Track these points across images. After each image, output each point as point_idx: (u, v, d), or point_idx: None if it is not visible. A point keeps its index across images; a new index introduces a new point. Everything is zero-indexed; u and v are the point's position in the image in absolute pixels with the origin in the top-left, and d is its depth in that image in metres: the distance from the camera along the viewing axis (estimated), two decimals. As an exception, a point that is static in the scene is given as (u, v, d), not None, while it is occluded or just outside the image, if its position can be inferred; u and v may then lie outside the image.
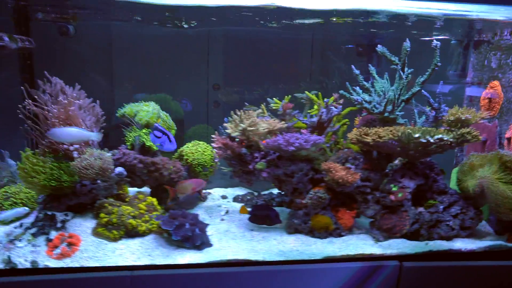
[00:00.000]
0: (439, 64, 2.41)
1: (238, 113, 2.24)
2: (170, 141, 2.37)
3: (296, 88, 3.83)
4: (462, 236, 2.46)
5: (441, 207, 2.43)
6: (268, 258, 2.18)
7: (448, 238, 2.41)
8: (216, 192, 3.18)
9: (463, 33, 3.01)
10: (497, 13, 2.48)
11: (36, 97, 2.27)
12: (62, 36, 2.69)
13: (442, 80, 2.76)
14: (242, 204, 2.92)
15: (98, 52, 3.24)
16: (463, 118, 2.36)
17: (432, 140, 2.17)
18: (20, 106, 2.31)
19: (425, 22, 3.22)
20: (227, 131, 2.29)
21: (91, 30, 3.10)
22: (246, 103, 2.70)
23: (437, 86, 3.90)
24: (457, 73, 3.32)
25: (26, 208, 2.23)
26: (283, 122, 2.39)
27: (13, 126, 2.56)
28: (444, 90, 3.95)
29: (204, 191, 3.13)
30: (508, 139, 2.48)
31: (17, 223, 2.30)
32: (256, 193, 3.04)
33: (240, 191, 3.20)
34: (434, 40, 2.36)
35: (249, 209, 2.51)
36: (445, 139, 2.17)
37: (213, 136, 2.26)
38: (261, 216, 2.49)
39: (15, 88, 2.56)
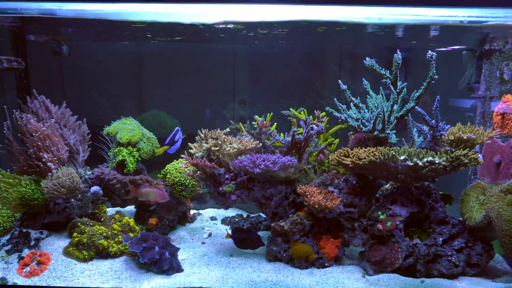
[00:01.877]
0: (435, 76, 2.14)
1: (203, 131, 2.12)
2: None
3: (299, 104, 3.66)
4: (469, 274, 2.13)
5: (440, 239, 2.12)
6: (236, 288, 2.02)
7: (452, 276, 2.09)
8: (206, 213, 3.08)
9: (475, 42, 2.68)
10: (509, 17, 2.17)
11: (19, 115, 2.33)
12: (56, 56, 2.78)
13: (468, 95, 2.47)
14: (229, 226, 2.78)
15: (98, 71, 3.32)
16: (465, 138, 2.06)
17: (420, 163, 1.90)
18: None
19: (445, 32, 2.93)
20: (190, 151, 2.19)
21: (90, 50, 3.20)
22: (231, 121, 2.59)
23: (467, 101, 3.54)
24: (477, 86, 2.97)
25: None
26: (259, 141, 2.24)
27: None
28: (465, 105, 3.57)
29: (194, 211, 3.04)
30: (524, 162, 2.13)
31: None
32: (245, 215, 2.89)
33: (231, 213, 3.07)
34: (429, 51, 2.10)
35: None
36: (437, 162, 1.90)
37: (182, 156, 2.16)
38: (242, 240, 2.33)
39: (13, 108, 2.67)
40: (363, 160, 1.95)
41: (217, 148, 2.03)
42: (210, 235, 2.62)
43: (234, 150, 2.03)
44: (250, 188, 2.12)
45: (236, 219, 2.81)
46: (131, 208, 2.79)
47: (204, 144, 2.04)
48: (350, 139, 2.50)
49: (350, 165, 2.00)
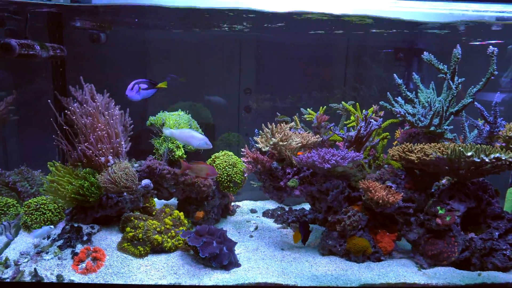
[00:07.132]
0: (495, 72, 2.15)
1: (269, 126, 2.09)
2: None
3: (330, 96, 3.64)
4: (522, 267, 2.19)
5: (496, 233, 2.17)
6: (300, 283, 2.02)
7: (505, 269, 2.15)
8: (245, 205, 3.06)
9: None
10: None
11: (67, 105, 2.23)
12: (93, 43, 2.66)
13: (494, 89, 2.48)
14: (273, 219, 2.77)
15: (130, 59, 3.21)
16: (523, 135, 2.09)
17: (487, 160, 1.92)
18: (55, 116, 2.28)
19: (475, 26, 2.94)
20: (257, 145, 2.16)
21: (123, 37, 3.07)
22: (278, 113, 2.54)
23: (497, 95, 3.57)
24: None
25: (52, 227, 2.18)
26: (317, 135, 2.22)
27: (45, 135, 2.55)
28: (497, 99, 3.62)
29: (232, 203, 3.01)
30: None
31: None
32: (287, 208, 2.88)
33: (270, 205, 3.06)
34: (491, 46, 2.10)
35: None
36: (503, 158, 1.92)
37: (243, 150, 2.12)
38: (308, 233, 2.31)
39: (48, 96, 2.57)
40: (430, 156, 1.95)
41: (284, 143, 2.00)
42: (256, 228, 2.61)
43: (298, 144, 2.00)
44: (312, 183, 2.11)
45: (279, 212, 2.81)
46: (173, 201, 2.74)
47: (272, 138, 2.00)
48: (399, 133, 2.51)
49: (416, 161, 2.01)
